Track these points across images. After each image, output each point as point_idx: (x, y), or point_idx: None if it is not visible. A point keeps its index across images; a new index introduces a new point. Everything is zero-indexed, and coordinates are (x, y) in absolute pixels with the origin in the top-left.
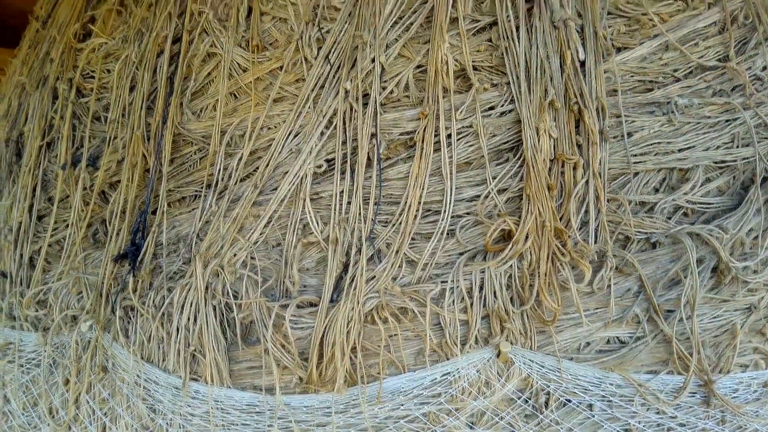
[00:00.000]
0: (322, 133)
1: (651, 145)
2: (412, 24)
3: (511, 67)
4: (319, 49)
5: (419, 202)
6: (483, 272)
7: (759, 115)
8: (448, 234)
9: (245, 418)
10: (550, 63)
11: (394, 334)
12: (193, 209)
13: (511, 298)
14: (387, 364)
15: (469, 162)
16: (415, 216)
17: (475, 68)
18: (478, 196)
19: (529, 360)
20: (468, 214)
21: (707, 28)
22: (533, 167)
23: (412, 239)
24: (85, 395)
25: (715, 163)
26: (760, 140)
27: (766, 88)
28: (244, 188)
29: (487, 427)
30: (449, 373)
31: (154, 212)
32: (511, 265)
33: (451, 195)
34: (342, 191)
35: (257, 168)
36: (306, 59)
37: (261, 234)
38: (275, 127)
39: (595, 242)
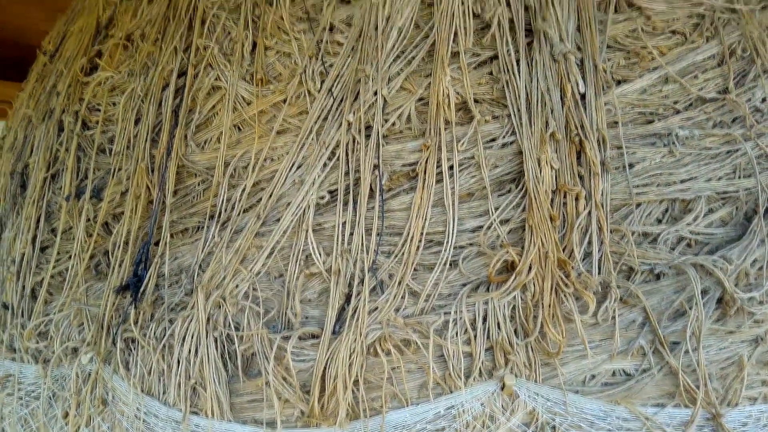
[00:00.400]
0: (324, 165)
1: (653, 176)
2: (413, 58)
3: (512, 100)
4: (323, 82)
5: (422, 233)
6: (486, 303)
7: (760, 146)
8: (450, 265)
9: None
10: (550, 95)
11: (397, 367)
12: (195, 240)
13: (515, 330)
14: (390, 397)
15: (471, 193)
16: (418, 247)
17: (476, 101)
18: (481, 226)
19: (534, 393)
20: (471, 244)
21: (706, 60)
22: (535, 198)
23: (415, 270)
24: (85, 429)
25: (718, 193)
26: (762, 171)
27: (766, 120)
28: (246, 219)
29: None
30: (453, 406)
31: (156, 243)
32: (515, 297)
33: (453, 226)
34: (344, 222)
35: (260, 199)
36: (309, 92)
37: (263, 265)
38: (278, 158)
39: (599, 273)
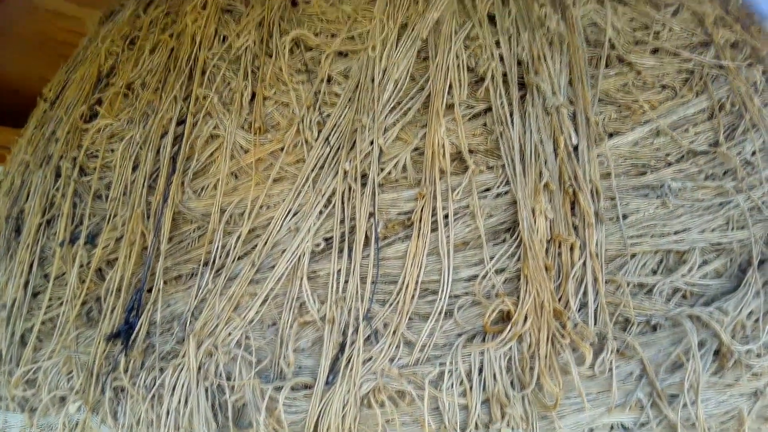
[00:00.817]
0: (320, 212)
1: (647, 227)
2: (409, 109)
3: (506, 151)
4: (320, 131)
5: (417, 282)
6: (482, 354)
7: (752, 198)
8: (446, 314)
9: None
10: (544, 147)
11: (392, 419)
12: (189, 287)
13: (512, 382)
14: None
15: (467, 242)
16: (413, 296)
17: (471, 151)
18: (476, 276)
19: None
20: (466, 294)
21: (696, 114)
22: (530, 248)
23: (410, 319)
24: None
25: (712, 245)
26: (755, 223)
27: (756, 172)
28: (241, 266)
29: None
30: None
31: (149, 290)
32: (511, 347)
33: (448, 275)
34: (339, 270)
35: (255, 246)
36: (306, 141)
37: (257, 313)
38: (274, 206)
39: (595, 324)
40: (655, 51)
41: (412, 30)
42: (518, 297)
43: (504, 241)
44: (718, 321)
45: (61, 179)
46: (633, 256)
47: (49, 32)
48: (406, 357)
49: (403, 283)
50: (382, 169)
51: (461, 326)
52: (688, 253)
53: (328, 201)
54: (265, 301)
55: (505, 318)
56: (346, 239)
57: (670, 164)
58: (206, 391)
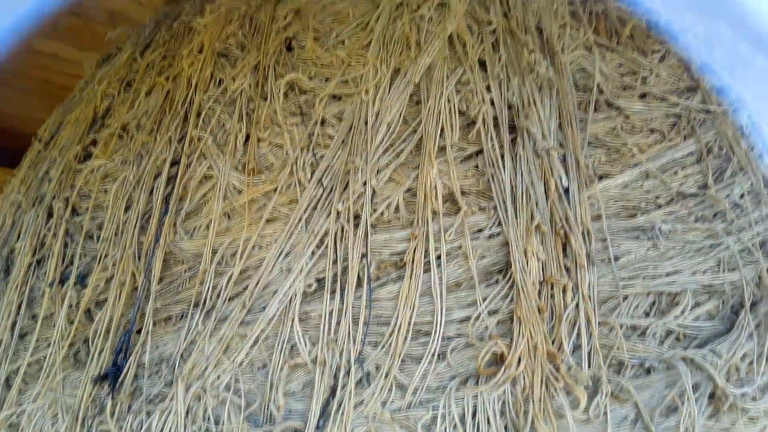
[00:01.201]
0: (313, 253)
1: (638, 269)
2: (402, 151)
3: (498, 193)
4: (313, 172)
5: (409, 323)
6: (476, 398)
7: (741, 240)
8: (439, 356)
9: None
10: (535, 189)
11: None
12: (178, 329)
13: (506, 426)
14: None
15: (459, 283)
16: (406, 337)
17: (462, 192)
18: (469, 317)
19: None
20: (459, 335)
21: (685, 157)
22: (523, 289)
23: (402, 362)
24: None
25: (703, 287)
26: (746, 265)
27: (746, 215)
28: (232, 307)
29: None
30: None
31: (138, 332)
32: (505, 391)
33: (441, 316)
34: (331, 311)
35: (246, 287)
36: (300, 182)
37: (247, 355)
38: (267, 246)
39: (589, 367)
40: (643, 96)
41: (405, 75)
42: (511, 339)
43: (497, 282)
44: (712, 364)
45: (53, 219)
46: (625, 298)
47: (48, 75)
48: (398, 400)
49: (396, 324)
50: (374, 210)
51: (454, 369)
52: (680, 295)
53: (321, 242)
54: (255, 343)
55: (498, 360)
56: (339, 280)
57: (660, 206)
58: None
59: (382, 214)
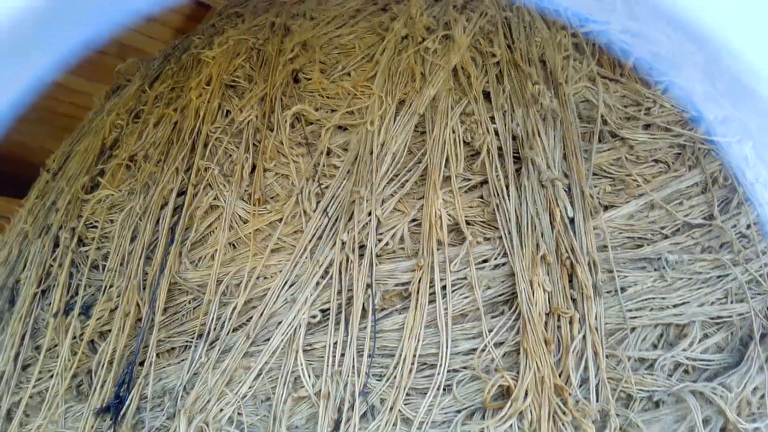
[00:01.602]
0: (317, 283)
1: (645, 300)
2: (407, 181)
3: (503, 223)
4: (318, 202)
5: (415, 355)
6: None
7: (749, 271)
8: (444, 389)
9: None
10: (540, 219)
11: None
12: (182, 360)
13: None
14: None
15: (465, 314)
16: (411, 370)
17: (468, 223)
18: (475, 349)
19: None
20: (465, 368)
21: (690, 188)
22: (529, 321)
23: (408, 395)
24: None
25: (711, 318)
26: (754, 296)
27: (753, 245)
28: (236, 338)
29: None
30: None
31: (141, 363)
32: (512, 425)
33: (447, 348)
34: (336, 342)
35: (251, 318)
36: (305, 212)
37: (250, 387)
38: (272, 276)
39: (597, 400)
40: (647, 126)
41: (410, 106)
42: (518, 372)
43: (502, 313)
44: (722, 397)
45: (59, 249)
46: (633, 329)
47: (56, 105)
48: None
49: (401, 356)
50: (379, 240)
51: (460, 402)
52: (688, 326)
53: (326, 272)
54: (259, 375)
55: (505, 393)
56: (343, 311)
57: (666, 237)
58: None
59: (387, 244)
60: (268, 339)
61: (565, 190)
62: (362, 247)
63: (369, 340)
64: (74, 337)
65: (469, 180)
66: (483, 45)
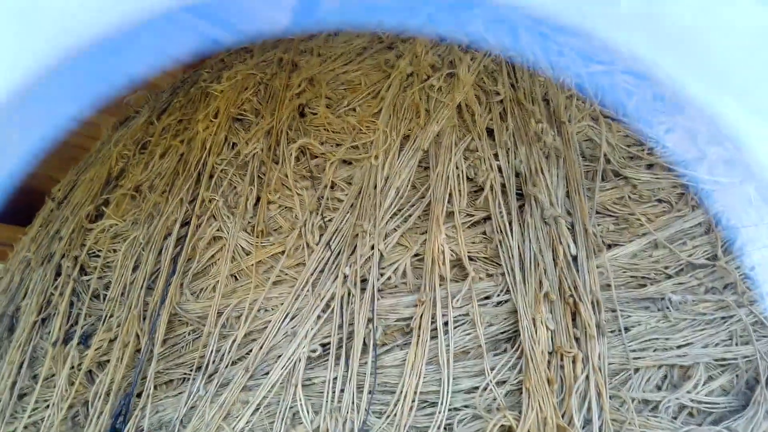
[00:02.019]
0: (318, 317)
1: (649, 340)
2: (410, 216)
3: (506, 259)
4: (321, 235)
5: (416, 392)
6: None
7: (754, 312)
8: (445, 428)
9: None
10: (543, 256)
11: None
12: (179, 393)
13: None
14: None
15: (467, 351)
16: (411, 407)
17: (470, 258)
18: (477, 387)
19: None
20: (466, 407)
21: (693, 228)
22: (532, 359)
23: None
24: None
25: (716, 360)
26: (760, 338)
27: (757, 287)
28: (234, 372)
29: None
30: None
31: (139, 395)
32: None
33: (448, 385)
34: (336, 378)
35: (250, 351)
36: (308, 245)
37: (247, 422)
38: (272, 309)
39: None
40: (650, 166)
41: (414, 141)
42: (520, 411)
43: (505, 351)
44: None
45: (61, 278)
46: (637, 370)
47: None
48: None
49: (402, 392)
50: (381, 275)
51: None
52: (692, 368)
53: (327, 305)
54: (257, 409)
55: None
56: (344, 345)
57: (669, 277)
58: None
59: (389, 278)
60: (267, 373)
61: (568, 228)
62: (364, 281)
63: (369, 376)
64: (72, 367)
65: (472, 216)
66: (487, 83)
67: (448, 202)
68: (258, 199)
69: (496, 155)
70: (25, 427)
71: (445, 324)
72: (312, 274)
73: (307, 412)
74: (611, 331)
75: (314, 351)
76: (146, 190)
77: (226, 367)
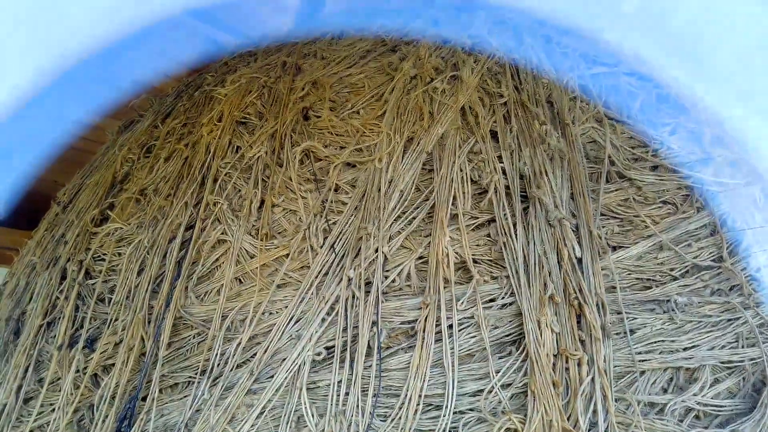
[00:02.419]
0: (323, 320)
1: (655, 343)
2: (414, 218)
3: (510, 262)
4: (325, 238)
5: (420, 395)
6: None
7: (760, 314)
8: None
9: None
10: (547, 258)
11: None
12: (184, 396)
13: None
14: None
15: (471, 354)
16: (416, 410)
17: (475, 261)
18: (482, 390)
19: None
20: (471, 410)
21: (699, 229)
22: (537, 362)
23: None
24: None
25: (722, 363)
26: (766, 340)
27: (763, 288)
28: (239, 375)
29: None
30: None
31: (144, 398)
32: None
33: (453, 388)
34: (340, 381)
35: (255, 354)
36: (312, 248)
37: (252, 426)
38: (277, 312)
39: None
40: (654, 167)
41: (418, 144)
42: (526, 414)
43: (510, 354)
44: None
45: (66, 281)
46: (642, 373)
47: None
48: None
49: (406, 396)
50: (386, 277)
51: None
52: (698, 370)
53: (331, 308)
54: (261, 413)
55: None
56: (348, 348)
57: (675, 279)
58: None
59: (393, 281)
60: (272, 376)
61: (573, 230)
62: (368, 283)
63: (374, 379)
64: (78, 371)
65: (477, 218)
66: (491, 85)
67: (453, 204)
68: (262, 202)
69: (500, 157)
70: (31, 431)
71: (450, 327)
72: (316, 277)
73: (312, 416)
74: (617, 334)
75: (319, 354)
76: (151, 193)
77: (231, 370)
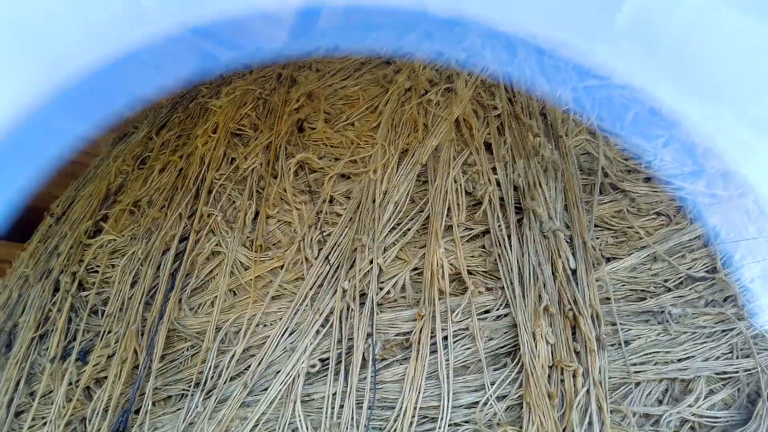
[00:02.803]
0: (317, 332)
1: (650, 354)
2: (409, 230)
3: (505, 273)
4: (320, 250)
5: (415, 408)
6: None
7: (754, 325)
8: None
9: None
10: (542, 270)
11: None
12: (178, 409)
13: None
14: None
15: (467, 366)
16: (411, 423)
17: (469, 272)
18: (477, 402)
19: None
20: (467, 422)
21: (692, 241)
22: (532, 374)
23: None
24: None
25: (717, 374)
26: (760, 351)
27: (757, 299)
28: (233, 388)
29: None
30: None
31: (137, 411)
32: None
33: (448, 400)
34: (335, 393)
35: (249, 366)
36: (306, 259)
37: None
38: (271, 324)
39: None
40: (648, 179)
41: (413, 155)
42: (521, 426)
43: (505, 365)
44: None
45: (59, 293)
46: (637, 384)
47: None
48: None
49: (401, 408)
50: (381, 289)
51: None
52: (693, 381)
53: (326, 320)
54: (255, 426)
55: None
56: (343, 360)
57: (669, 290)
58: None
59: (388, 292)
60: (266, 388)
61: (567, 241)
62: (363, 295)
63: (369, 391)
64: (70, 384)
65: (471, 230)
66: (485, 98)
67: (447, 215)
68: (257, 213)
69: (494, 169)
70: None
71: (445, 338)
72: (311, 289)
73: (307, 428)
74: (611, 345)
75: (313, 366)
76: (145, 205)
77: (225, 382)
